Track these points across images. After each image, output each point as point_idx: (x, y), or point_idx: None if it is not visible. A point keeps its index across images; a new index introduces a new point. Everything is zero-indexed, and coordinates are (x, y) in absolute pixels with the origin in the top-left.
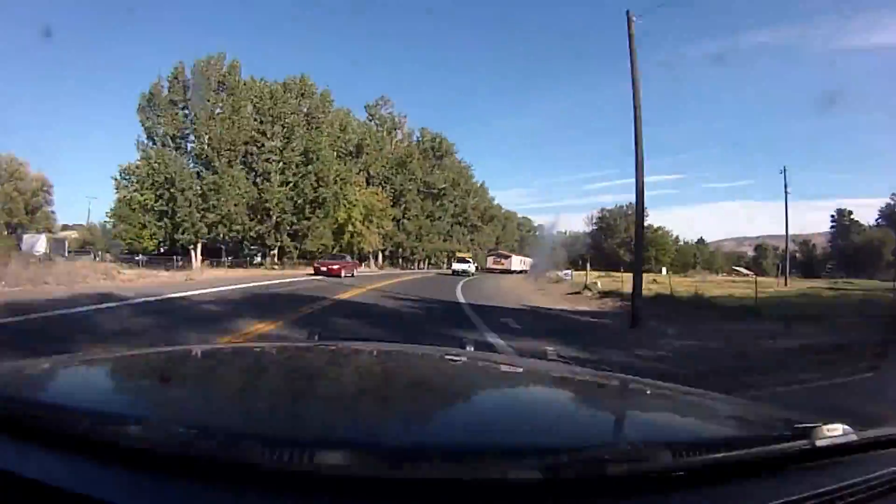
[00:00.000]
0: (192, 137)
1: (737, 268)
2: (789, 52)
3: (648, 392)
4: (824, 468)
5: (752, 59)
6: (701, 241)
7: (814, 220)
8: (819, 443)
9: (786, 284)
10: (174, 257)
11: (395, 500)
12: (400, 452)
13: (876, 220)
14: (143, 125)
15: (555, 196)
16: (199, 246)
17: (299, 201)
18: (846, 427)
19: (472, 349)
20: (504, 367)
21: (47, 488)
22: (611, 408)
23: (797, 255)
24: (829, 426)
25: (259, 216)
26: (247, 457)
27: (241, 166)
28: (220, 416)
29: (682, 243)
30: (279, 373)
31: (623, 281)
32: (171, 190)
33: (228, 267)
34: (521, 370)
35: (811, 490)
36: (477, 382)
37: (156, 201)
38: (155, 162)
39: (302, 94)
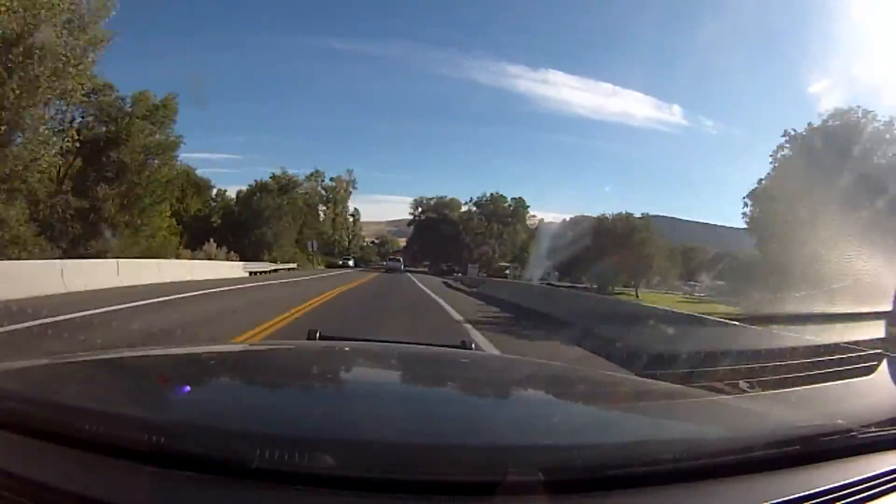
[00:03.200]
0: None
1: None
2: None
3: (648, 392)
4: (824, 468)
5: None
6: None
7: None
8: (819, 443)
9: None
10: None
11: (392, 501)
12: (397, 452)
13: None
14: None
15: None
16: None
17: None
18: (846, 427)
19: (473, 348)
20: (502, 367)
21: (48, 487)
22: (611, 408)
23: None
24: (829, 426)
25: None
26: (243, 456)
27: None
28: (218, 416)
29: None
30: (278, 372)
31: None
32: None
33: None
34: (519, 370)
35: (811, 490)
36: (475, 382)
37: None
38: None
39: None
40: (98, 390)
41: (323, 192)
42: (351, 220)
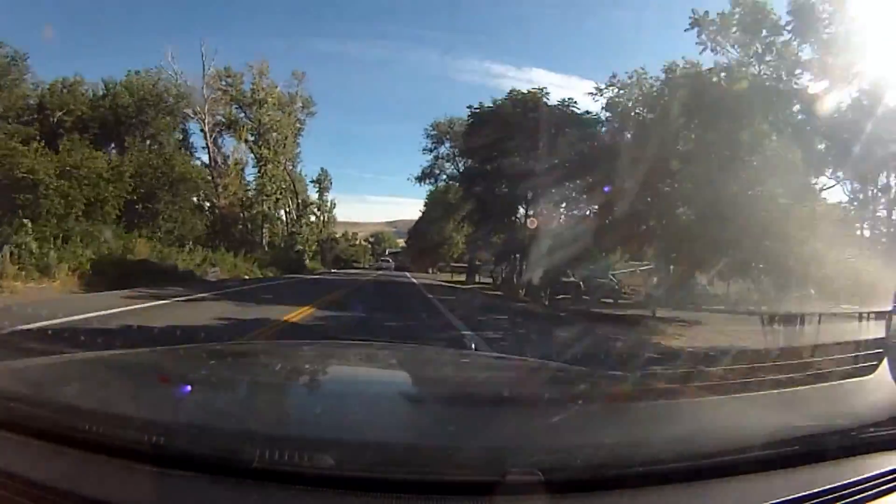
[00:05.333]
0: None
1: None
2: None
3: (648, 392)
4: (824, 468)
5: None
6: None
7: None
8: (819, 443)
9: None
10: None
11: (392, 501)
12: (397, 452)
13: None
14: None
15: None
16: None
17: None
18: (846, 427)
19: (473, 348)
20: (502, 367)
21: (48, 488)
22: (610, 407)
23: None
24: (829, 426)
25: None
26: (243, 456)
27: None
28: (218, 416)
29: None
30: (278, 372)
31: None
32: None
33: None
34: (519, 370)
35: (811, 490)
36: (475, 382)
37: None
38: None
39: None
40: (98, 390)
41: (245, 117)
42: (313, 189)
